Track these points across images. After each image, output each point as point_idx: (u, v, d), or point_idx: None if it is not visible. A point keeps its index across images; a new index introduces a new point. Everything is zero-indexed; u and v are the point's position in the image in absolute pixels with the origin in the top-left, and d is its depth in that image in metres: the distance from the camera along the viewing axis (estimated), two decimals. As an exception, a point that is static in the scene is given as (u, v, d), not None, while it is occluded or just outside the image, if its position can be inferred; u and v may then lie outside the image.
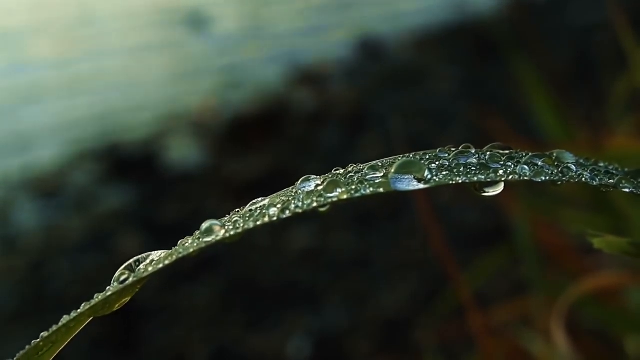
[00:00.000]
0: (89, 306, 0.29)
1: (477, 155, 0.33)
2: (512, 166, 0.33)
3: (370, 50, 4.60)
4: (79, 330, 0.30)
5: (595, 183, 0.34)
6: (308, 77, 4.33)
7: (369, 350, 2.23)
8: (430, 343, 1.74)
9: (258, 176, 3.26)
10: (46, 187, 3.48)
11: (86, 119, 4.16)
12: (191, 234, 0.31)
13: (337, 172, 0.32)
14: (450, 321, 1.66)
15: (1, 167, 3.71)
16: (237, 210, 0.31)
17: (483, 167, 0.32)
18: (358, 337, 2.29)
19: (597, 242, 0.40)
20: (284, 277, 2.63)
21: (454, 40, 4.44)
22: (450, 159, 0.33)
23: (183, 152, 3.73)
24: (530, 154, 0.35)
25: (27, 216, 3.29)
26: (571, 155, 0.35)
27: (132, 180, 3.46)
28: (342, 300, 2.47)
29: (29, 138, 4.00)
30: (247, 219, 0.29)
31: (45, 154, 3.81)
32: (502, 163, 0.33)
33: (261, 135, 3.68)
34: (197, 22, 5.23)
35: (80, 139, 3.89)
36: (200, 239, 0.29)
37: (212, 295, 2.56)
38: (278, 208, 0.29)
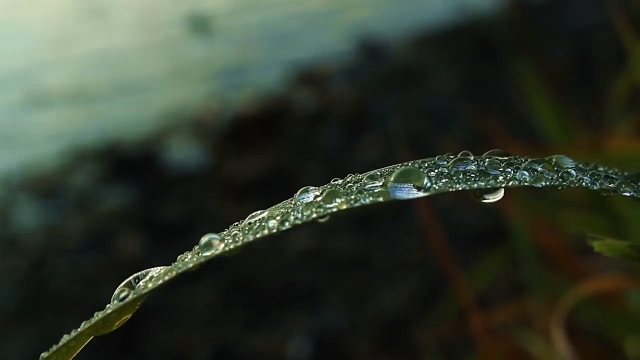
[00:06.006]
0: (88, 325, 0.29)
1: (476, 162, 0.33)
2: (512, 172, 0.33)
3: (370, 50, 4.60)
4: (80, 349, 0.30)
5: (595, 188, 0.34)
6: (308, 77, 4.33)
7: (369, 350, 2.23)
8: (430, 343, 1.74)
9: (258, 176, 3.26)
10: (46, 187, 3.48)
11: (87, 119, 4.16)
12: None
13: (336, 182, 0.32)
14: (450, 322, 1.66)
15: (2, 167, 3.71)
16: (236, 223, 0.31)
17: (482, 174, 0.32)
18: (358, 337, 2.29)
19: (596, 245, 0.39)
20: (284, 277, 2.63)
21: (454, 40, 4.44)
22: (449, 166, 0.33)
23: (183, 152, 3.73)
24: (529, 160, 0.34)
25: (27, 216, 3.29)
26: (570, 160, 0.35)
27: (132, 181, 3.46)
28: (342, 300, 2.47)
29: (30, 138, 4.00)
30: (247, 232, 0.29)
31: (46, 154, 3.81)
32: (501, 169, 0.33)
33: (261, 136, 3.68)
34: (198, 23, 5.23)
35: (81, 139, 3.89)
36: (200, 254, 0.29)
37: (213, 295, 2.56)
38: (277, 220, 0.29)
